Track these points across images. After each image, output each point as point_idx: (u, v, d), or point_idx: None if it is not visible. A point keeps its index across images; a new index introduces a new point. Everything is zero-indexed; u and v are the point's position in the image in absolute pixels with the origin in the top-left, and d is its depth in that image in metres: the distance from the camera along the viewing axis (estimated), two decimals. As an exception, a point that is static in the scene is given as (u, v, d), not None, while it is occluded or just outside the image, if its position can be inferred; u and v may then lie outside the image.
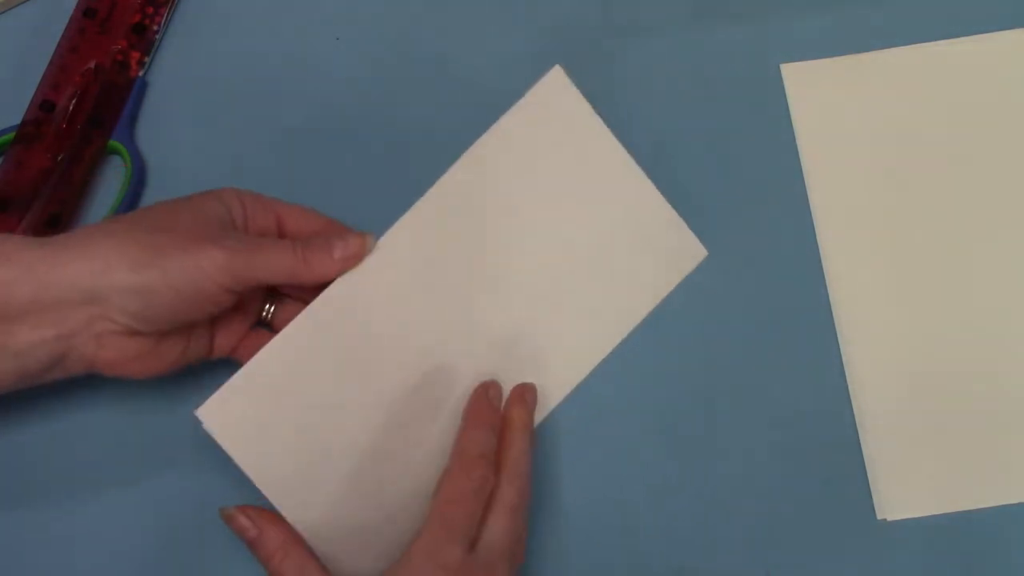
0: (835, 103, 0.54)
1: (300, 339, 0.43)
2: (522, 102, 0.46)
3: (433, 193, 0.45)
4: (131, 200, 0.52)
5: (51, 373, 0.41)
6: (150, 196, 0.52)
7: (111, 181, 0.53)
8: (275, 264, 0.41)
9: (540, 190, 0.47)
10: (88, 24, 0.55)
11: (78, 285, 0.39)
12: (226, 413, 0.42)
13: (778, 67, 0.54)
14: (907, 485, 0.47)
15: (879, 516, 0.47)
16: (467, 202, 0.46)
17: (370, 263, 0.44)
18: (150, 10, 0.56)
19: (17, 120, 0.53)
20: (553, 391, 0.49)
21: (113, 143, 0.53)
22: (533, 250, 0.48)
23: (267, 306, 0.47)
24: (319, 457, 0.44)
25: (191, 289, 0.40)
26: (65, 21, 0.55)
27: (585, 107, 0.47)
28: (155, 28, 0.55)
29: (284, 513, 0.42)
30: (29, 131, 0.52)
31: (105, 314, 0.40)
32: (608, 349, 0.50)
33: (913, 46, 0.55)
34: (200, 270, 0.40)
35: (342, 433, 0.44)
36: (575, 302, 0.49)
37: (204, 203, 0.43)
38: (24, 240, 0.40)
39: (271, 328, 0.47)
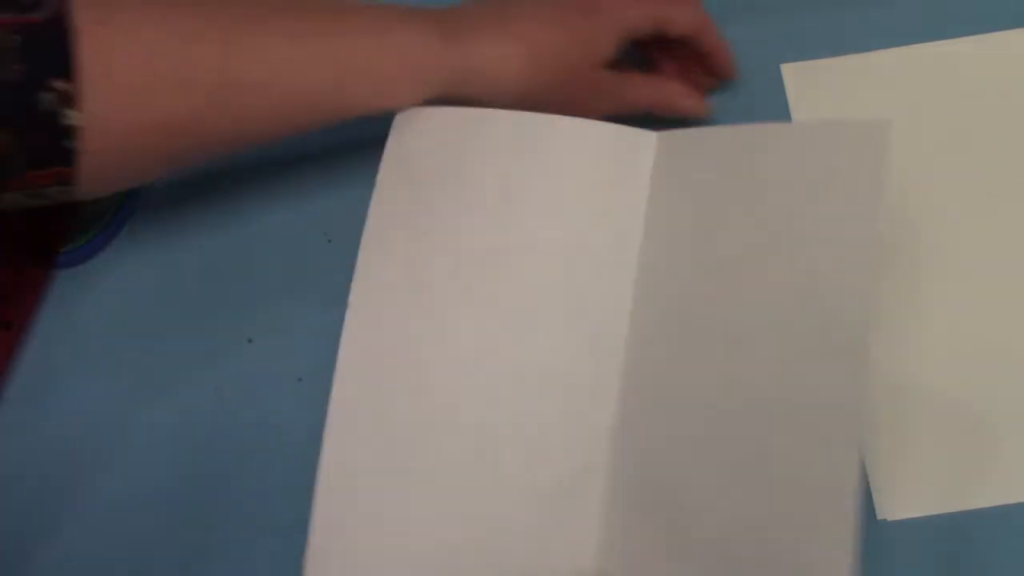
0: (835, 103, 0.54)
1: None
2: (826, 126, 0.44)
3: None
4: (130, 203, 0.52)
5: None
6: (150, 198, 0.52)
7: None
8: (637, 102, 0.50)
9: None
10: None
11: (473, 99, 0.46)
12: None
13: (778, 67, 0.54)
14: (907, 485, 0.47)
15: (879, 516, 0.46)
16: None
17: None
18: (150, 10, 0.56)
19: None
20: None
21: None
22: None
23: None
24: None
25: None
26: (65, 22, 0.55)
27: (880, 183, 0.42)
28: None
29: None
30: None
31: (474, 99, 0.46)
32: None
33: (913, 46, 0.55)
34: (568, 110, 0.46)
35: None
36: None
37: (600, 38, 0.48)
38: (444, 49, 0.45)
39: None
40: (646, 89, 0.50)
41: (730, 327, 0.43)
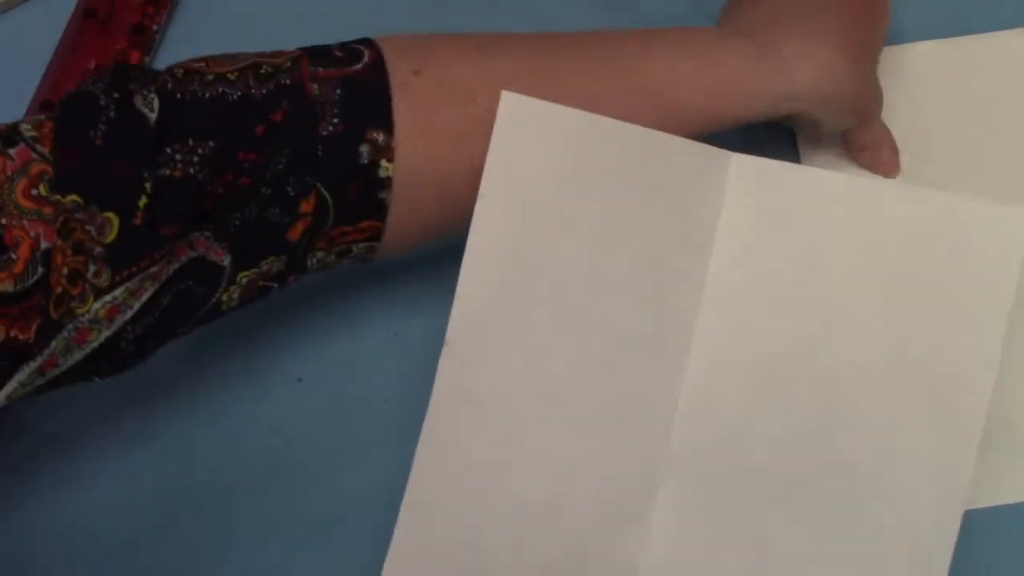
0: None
1: None
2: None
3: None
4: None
5: None
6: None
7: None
8: (860, 138, 0.51)
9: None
10: (88, 24, 0.55)
11: (791, 114, 0.46)
12: None
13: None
14: None
15: None
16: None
17: None
18: (150, 10, 0.56)
19: (17, 120, 0.52)
20: None
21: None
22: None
23: None
24: None
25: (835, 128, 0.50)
26: (65, 21, 0.55)
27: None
28: (155, 28, 0.56)
29: None
30: (29, 131, 0.52)
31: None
32: None
33: (911, 44, 0.55)
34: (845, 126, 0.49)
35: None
36: None
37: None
38: (761, 68, 0.44)
39: None
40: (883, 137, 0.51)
41: (823, 375, 0.43)
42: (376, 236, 0.40)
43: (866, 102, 0.48)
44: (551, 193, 0.42)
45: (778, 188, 0.44)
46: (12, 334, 0.34)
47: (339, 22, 0.56)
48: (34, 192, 0.35)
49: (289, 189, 0.38)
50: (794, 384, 0.43)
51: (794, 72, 0.44)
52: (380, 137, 0.38)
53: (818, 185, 0.44)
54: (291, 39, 0.56)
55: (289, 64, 0.39)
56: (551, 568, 0.43)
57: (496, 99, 0.40)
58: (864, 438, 0.43)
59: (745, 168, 0.44)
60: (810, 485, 0.43)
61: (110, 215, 0.35)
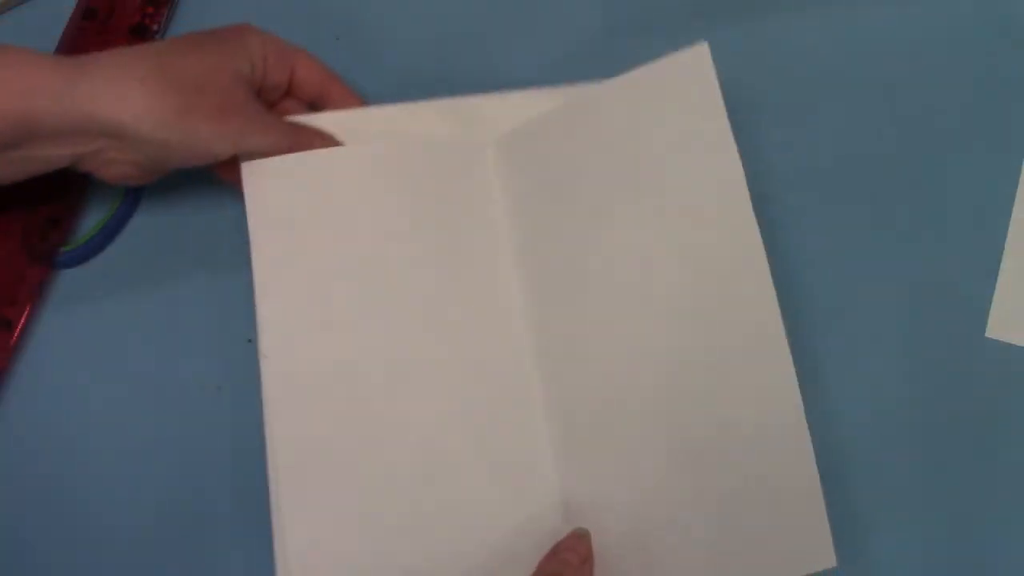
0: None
1: None
2: (655, 67, 0.45)
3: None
4: (130, 204, 0.52)
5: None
6: (148, 199, 0.52)
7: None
8: (274, 147, 0.46)
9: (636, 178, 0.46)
10: (88, 25, 0.55)
11: (101, 121, 0.42)
12: None
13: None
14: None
15: (987, 334, 0.48)
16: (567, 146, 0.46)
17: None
18: (150, 10, 0.56)
19: (17, 121, 0.52)
20: None
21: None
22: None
23: None
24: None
25: (202, 153, 0.44)
26: (65, 22, 0.55)
27: (717, 100, 0.45)
28: (155, 28, 0.55)
29: None
30: (29, 132, 0.52)
31: (119, 148, 0.43)
32: None
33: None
34: (217, 141, 0.44)
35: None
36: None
37: (231, 57, 0.45)
38: (51, 63, 0.42)
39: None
40: (284, 126, 0.47)
41: (622, 270, 0.45)
42: None
43: (209, 107, 0.43)
44: (320, 230, 0.46)
45: (521, 150, 0.47)
46: None
47: (338, 20, 0.56)
48: None
49: None
50: (604, 284, 0.46)
51: (85, 70, 0.42)
52: None
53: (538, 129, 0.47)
54: (290, 38, 0.56)
55: None
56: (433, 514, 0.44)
57: None
58: (684, 293, 0.44)
59: (502, 150, 0.48)
60: (659, 344, 0.44)
61: None
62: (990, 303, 0.49)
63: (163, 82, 0.42)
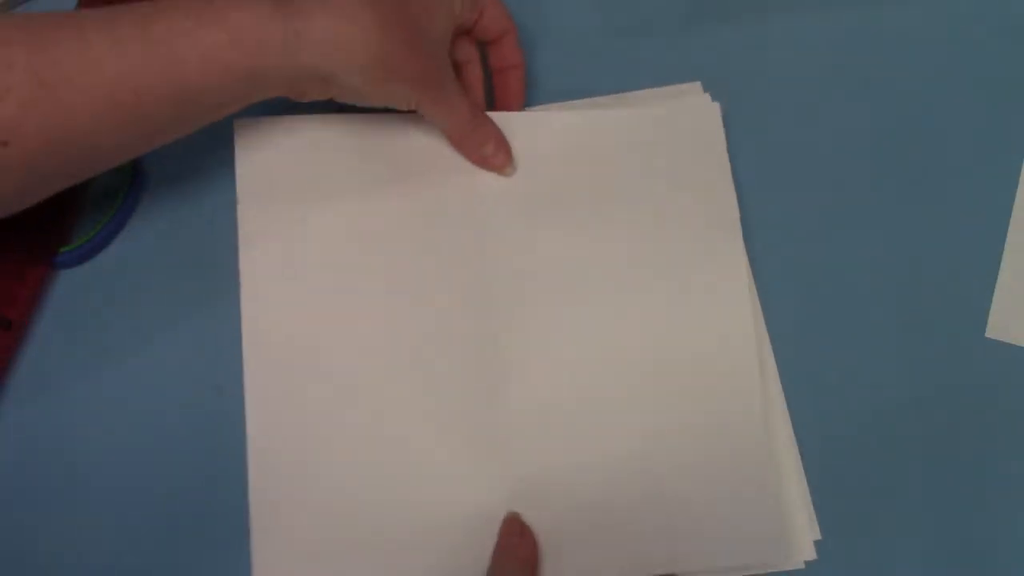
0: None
1: None
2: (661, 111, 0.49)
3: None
4: (130, 205, 0.52)
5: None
6: (148, 199, 0.52)
7: (109, 183, 0.53)
8: (452, 129, 0.48)
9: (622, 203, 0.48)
10: (88, 24, 0.55)
11: (322, 72, 0.43)
12: None
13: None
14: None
15: (987, 334, 0.48)
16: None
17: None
18: (150, 10, 0.56)
19: (17, 121, 0.52)
20: None
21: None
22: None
23: None
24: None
25: (388, 107, 0.46)
26: (65, 22, 0.55)
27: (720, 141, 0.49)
28: (155, 28, 0.55)
29: None
30: (29, 132, 0.52)
31: (322, 89, 0.44)
32: None
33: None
34: (407, 104, 0.46)
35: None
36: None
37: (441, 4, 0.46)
38: (276, 15, 0.41)
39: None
40: (468, 112, 0.48)
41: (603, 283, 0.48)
42: None
43: (413, 72, 0.44)
44: (304, 196, 0.48)
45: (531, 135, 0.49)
46: None
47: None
48: None
49: None
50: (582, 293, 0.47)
51: (309, 19, 0.42)
52: None
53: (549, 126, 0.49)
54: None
55: None
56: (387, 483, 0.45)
57: None
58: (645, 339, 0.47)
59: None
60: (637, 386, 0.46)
61: None
62: (990, 303, 0.49)
63: (380, 32, 0.43)
